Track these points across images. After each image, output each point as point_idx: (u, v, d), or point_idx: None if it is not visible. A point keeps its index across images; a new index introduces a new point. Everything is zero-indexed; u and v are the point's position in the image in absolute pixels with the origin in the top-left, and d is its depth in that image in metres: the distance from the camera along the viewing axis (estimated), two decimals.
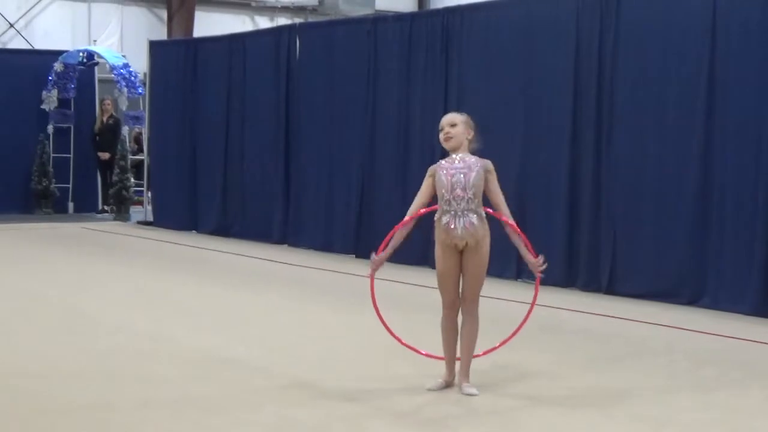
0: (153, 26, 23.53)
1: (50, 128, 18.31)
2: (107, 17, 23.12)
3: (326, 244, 13.59)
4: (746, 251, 9.13)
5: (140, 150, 19.24)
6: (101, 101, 18.72)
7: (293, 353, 7.35)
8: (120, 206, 17.73)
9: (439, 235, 6.18)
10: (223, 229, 15.41)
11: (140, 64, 18.36)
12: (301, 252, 13.62)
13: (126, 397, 6.02)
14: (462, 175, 6.13)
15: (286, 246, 14.18)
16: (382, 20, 13.64)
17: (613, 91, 10.23)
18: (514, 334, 6.71)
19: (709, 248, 9.45)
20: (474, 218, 6.10)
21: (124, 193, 17.70)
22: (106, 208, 18.45)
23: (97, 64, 19.14)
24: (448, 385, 6.26)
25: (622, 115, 10.18)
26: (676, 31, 9.74)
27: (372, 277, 6.51)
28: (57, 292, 10.06)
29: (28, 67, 18.51)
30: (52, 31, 22.48)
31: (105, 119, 18.42)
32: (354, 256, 12.99)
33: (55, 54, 18.46)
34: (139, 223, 17.18)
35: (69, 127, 18.60)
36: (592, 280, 10.37)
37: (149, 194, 17.79)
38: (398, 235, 6.35)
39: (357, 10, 23.31)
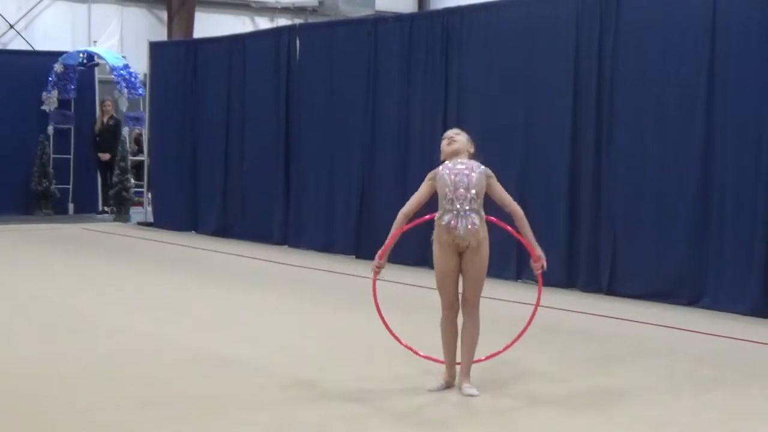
0: (153, 27, 23.52)
1: (50, 129, 18.31)
2: (107, 18, 23.11)
3: (326, 245, 13.59)
4: (746, 251, 9.13)
5: (140, 151, 19.24)
6: (101, 102, 18.72)
7: (293, 353, 7.35)
8: (120, 207, 17.72)
9: (439, 236, 6.17)
10: (224, 230, 15.41)
11: (140, 65, 18.36)
12: (302, 253, 13.61)
13: (126, 398, 6.02)
14: (465, 175, 6.16)
15: (286, 247, 14.18)
16: (382, 21, 13.65)
17: (613, 92, 10.23)
18: (518, 337, 6.69)
19: (709, 248, 9.45)
20: (476, 219, 6.11)
21: (124, 194, 17.69)
22: (106, 209, 18.45)
23: (97, 65, 19.14)
24: (448, 385, 6.26)
25: (622, 115, 10.18)
26: (676, 32, 9.74)
27: (374, 281, 6.49)
28: (57, 292, 10.05)
29: (28, 68, 18.51)
30: (52, 32, 22.47)
31: (105, 120, 18.42)
32: (354, 256, 12.99)
33: (55, 55, 18.46)
34: (139, 224, 17.18)
35: (69, 128, 18.60)
36: (592, 281, 10.37)
37: (149, 195, 17.79)
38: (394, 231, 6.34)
39: (357, 10, 23.29)
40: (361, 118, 13.11)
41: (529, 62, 11.06)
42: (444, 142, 6.40)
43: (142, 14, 23.84)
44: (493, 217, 6.30)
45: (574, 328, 8.57)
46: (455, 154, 6.31)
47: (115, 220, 17.65)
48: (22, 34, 22.30)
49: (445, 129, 11.77)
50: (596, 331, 8.51)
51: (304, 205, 14.12)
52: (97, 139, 18.40)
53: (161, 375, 6.65)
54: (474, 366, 6.28)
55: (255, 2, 24.73)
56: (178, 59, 16.66)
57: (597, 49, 10.36)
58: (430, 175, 6.30)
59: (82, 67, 18.63)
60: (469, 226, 6.08)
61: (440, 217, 6.17)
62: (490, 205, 6.28)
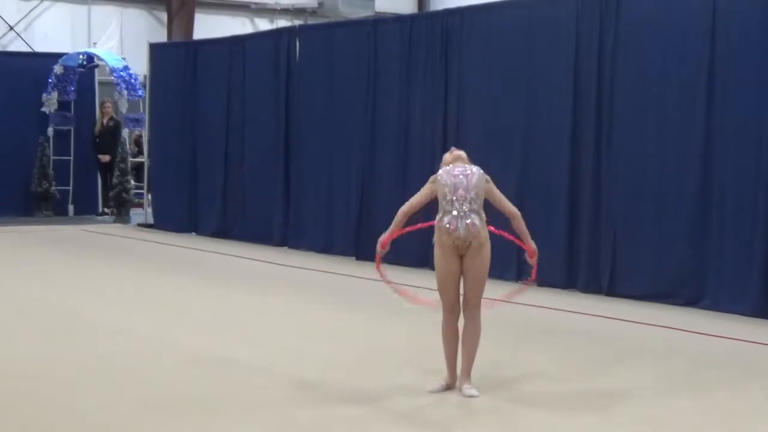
0: (153, 28, 23.52)
1: (50, 131, 18.30)
2: (107, 19, 23.09)
3: (326, 246, 13.59)
4: (746, 251, 9.12)
5: (140, 152, 19.23)
6: (101, 104, 18.72)
7: (293, 354, 7.34)
8: (120, 208, 17.71)
9: (440, 238, 6.17)
10: (224, 231, 15.41)
11: (140, 67, 18.35)
12: (302, 254, 13.61)
13: (126, 399, 6.02)
14: (464, 177, 6.19)
15: (286, 248, 14.17)
16: (382, 22, 13.64)
17: (613, 92, 10.22)
18: (519, 291, 6.64)
19: (709, 248, 9.44)
20: (476, 219, 6.12)
21: (124, 195, 17.68)
22: (106, 210, 18.43)
23: (97, 66, 19.13)
24: (449, 387, 6.25)
25: (622, 115, 10.17)
26: (676, 32, 9.73)
27: (378, 261, 6.51)
28: (57, 294, 10.05)
29: (28, 70, 18.49)
30: (52, 33, 22.46)
31: (105, 122, 18.42)
32: (354, 258, 12.98)
33: (55, 56, 18.45)
34: (139, 225, 17.17)
35: (69, 130, 18.59)
36: (592, 282, 10.36)
37: (149, 196, 17.78)
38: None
39: (357, 12, 23.29)
40: (361, 120, 13.11)
41: (529, 63, 11.06)
42: (447, 154, 6.51)
43: (141, 16, 23.83)
44: (491, 226, 6.31)
45: (574, 329, 8.57)
46: (456, 159, 6.38)
47: (115, 221, 17.64)
48: (22, 36, 22.30)
49: (445, 130, 11.94)
50: (596, 331, 8.50)
51: (304, 206, 14.12)
52: (97, 140, 18.39)
53: (161, 376, 6.65)
54: (474, 367, 6.27)
55: (255, 3, 24.73)
56: (177, 61, 16.66)
57: (597, 50, 10.36)
58: (431, 178, 6.34)
59: (81, 69, 18.63)
60: (469, 227, 6.08)
61: (440, 219, 6.17)
62: (488, 212, 6.29)
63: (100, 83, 19.31)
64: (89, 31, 22.83)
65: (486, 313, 6.34)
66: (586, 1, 10.48)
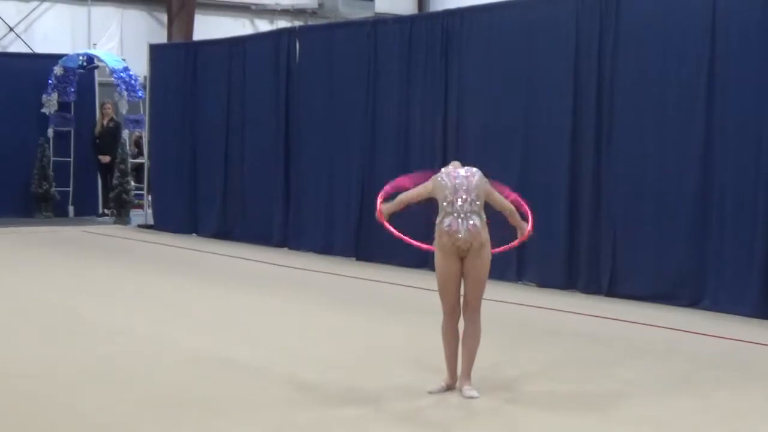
0: (153, 29, 23.51)
1: (50, 132, 18.30)
2: (107, 21, 23.09)
3: (326, 247, 13.58)
4: (746, 251, 9.12)
5: (140, 153, 19.23)
6: (101, 105, 18.72)
7: (293, 355, 7.34)
8: (120, 209, 17.71)
9: (440, 239, 6.16)
10: (224, 232, 15.41)
11: (140, 68, 18.34)
12: (302, 255, 13.60)
13: (126, 399, 6.02)
14: (465, 178, 6.19)
15: (286, 249, 14.16)
16: (382, 23, 13.63)
17: (613, 92, 10.22)
18: (519, 241, 6.63)
19: (709, 248, 9.44)
20: (477, 220, 6.11)
21: (124, 196, 17.68)
22: (106, 211, 18.43)
23: (97, 67, 19.13)
24: (449, 388, 6.24)
25: (622, 115, 10.17)
26: (676, 32, 9.73)
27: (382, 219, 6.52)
28: (57, 295, 10.05)
29: (28, 71, 18.49)
30: (52, 34, 22.45)
31: (105, 123, 18.42)
32: (354, 258, 12.98)
33: (55, 58, 18.44)
34: (139, 226, 17.17)
35: (69, 131, 18.60)
36: (592, 282, 10.35)
37: (149, 197, 17.77)
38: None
39: (357, 12, 23.29)
40: (361, 120, 13.10)
41: (529, 63, 11.06)
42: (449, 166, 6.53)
43: (141, 17, 23.82)
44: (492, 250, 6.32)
45: (574, 329, 8.56)
46: (456, 165, 6.42)
47: (115, 222, 17.63)
48: (22, 37, 22.29)
49: (446, 130, 11.94)
50: (596, 332, 8.49)
51: (304, 207, 14.11)
52: (97, 141, 18.39)
53: (161, 376, 6.65)
54: (474, 368, 6.26)
55: (255, 4, 24.73)
56: (177, 62, 16.66)
57: (597, 50, 10.35)
58: (431, 179, 6.33)
59: (81, 70, 18.63)
60: (470, 228, 6.08)
61: (441, 221, 6.16)
62: (487, 212, 6.30)
63: (100, 84, 19.31)
64: (89, 32, 22.83)
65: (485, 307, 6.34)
66: (586, 1, 10.47)
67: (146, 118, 17.53)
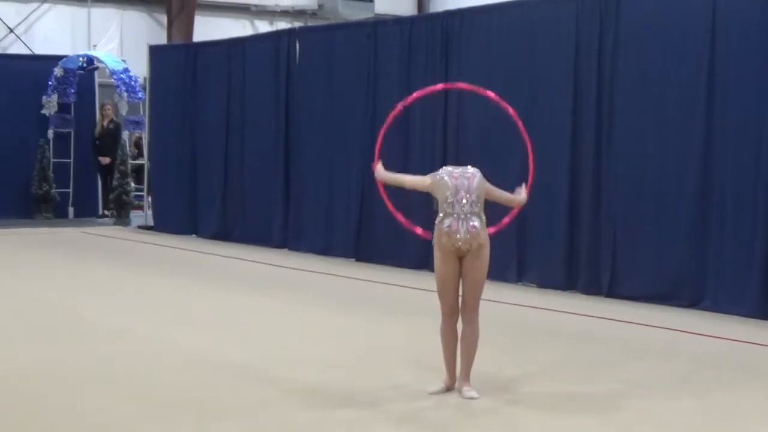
0: (153, 31, 23.51)
1: (50, 133, 18.30)
2: (107, 22, 23.08)
3: (326, 248, 13.58)
4: (746, 251, 9.12)
5: (140, 154, 19.23)
6: (101, 106, 18.72)
7: (293, 356, 7.33)
8: (120, 211, 17.71)
9: (439, 240, 6.15)
10: (224, 234, 15.40)
11: (140, 69, 18.35)
12: (301, 256, 13.60)
13: (125, 399, 6.01)
14: (466, 180, 6.18)
15: (286, 250, 14.16)
16: (382, 24, 13.63)
17: (613, 92, 10.22)
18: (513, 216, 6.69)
19: (709, 248, 9.43)
20: (476, 222, 6.11)
21: (124, 197, 17.68)
22: (106, 212, 18.43)
23: (97, 68, 19.14)
24: (449, 389, 6.24)
25: (622, 115, 10.17)
26: (676, 32, 9.73)
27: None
28: (57, 295, 10.04)
29: (28, 72, 18.50)
30: (52, 36, 22.44)
31: (105, 124, 18.42)
32: (354, 259, 12.98)
33: (55, 59, 18.44)
34: (139, 227, 17.17)
35: (69, 132, 18.60)
36: (592, 283, 10.34)
37: (149, 199, 17.77)
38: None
39: (357, 14, 23.29)
40: (361, 122, 13.10)
41: (529, 64, 11.06)
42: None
43: (141, 18, 23.82)
44: (491, 228, 6.31)
45: (574, 330, 8.56)
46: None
47: (115, 223, 17.63)
48: (22, 38, 22.29)
49: (445, 131, 11.93)
50: (597, 333, 8.49)
51: (303, 208, 14.11)
52: (97, 142, 18.39)
53: (161, 377, 6.64)
54: (474, 369, 6.25)
55: (254, 6, 24.74)
56: (177, 63, 16.66)
57: (597, 50, 10.35)
58: (430, 175, 6.32)
59: (81, 71, 18.63)
60: (470, 230, 6.07)
61: (441, 221, 6.15)
62: (487, 213, 6.30)
63: (100, 85, 19.31)
64: (89, 33, 22.82)
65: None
66: (586, 2, 10.47)
67: (146, 120, 17.54)
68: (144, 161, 18.27)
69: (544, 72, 10.91)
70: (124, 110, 17.95)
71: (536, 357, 7.37)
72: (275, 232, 14.48)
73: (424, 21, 13.14)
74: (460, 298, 6.25)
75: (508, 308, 9.36)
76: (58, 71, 18.10)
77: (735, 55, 9.28)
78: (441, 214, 6.16)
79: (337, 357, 7.33)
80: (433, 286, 6.38)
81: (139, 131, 18.57)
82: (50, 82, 18.08)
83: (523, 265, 10.97)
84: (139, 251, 14.30)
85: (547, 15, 10.98)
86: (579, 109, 10.53)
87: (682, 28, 9.69)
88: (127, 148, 18.36)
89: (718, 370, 7.11)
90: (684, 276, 9.60)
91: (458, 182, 6.16)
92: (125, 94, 17.61)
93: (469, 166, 6.35)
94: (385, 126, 6.96)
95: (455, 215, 6.10)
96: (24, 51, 21.69)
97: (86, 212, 18.70)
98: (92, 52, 20.01)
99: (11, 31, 22.20)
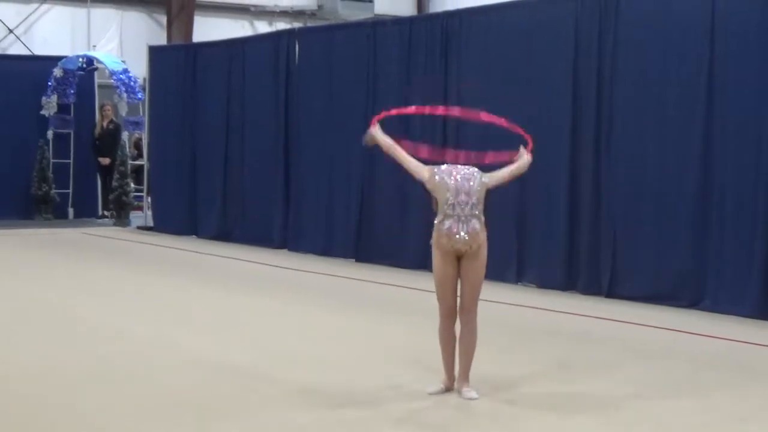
0: (152, 31, 23.49)
1: (50, 134, 18.29)
2: (107, 22, 23.07)
3: (326, 249, 13.58)
4: (746, 251, 9.11)
5: (140, 155, 19.21)
6: (101, 107, 18.71)
7: (293, 357, 7.33)
8: (120, 211, 17.70)
9: (438, 241, 6.15)
10: (224, 234, 15.40)
11: (140, 70, 18.34)
12: (301, 256, 13.60)
13: (125, 400, 6.01)
14: (466, 181, 6.18)
15: (286, 250, 14.16)
16: (381, 24, 13.63)
17: (613, 92, 10.21)
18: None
19: (709, 249, 9.43)
20: (476, 223, 6.11)
21: (124, 198, 17.67)
22: (106, 213, 18.42)
23: (96, 69, 19.12)
24: (448, 389, 6.24)
25: (622, 115, 10.16)
26: (676, 32, 9.73)
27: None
28: (57, 296, 10.04)
29: (27, 73, 18.48)
30: (52, 36, 22.43)
31: (105, 124, 18.42)
32: (354, 260, 12.97)
33: (55, 59, 18.43)
34: (139, 228, 17.17)
35: (69, 133, 18.59)
36: (592, 283, 10.34)
37: (149, 199, 17.76)
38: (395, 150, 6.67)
39: (356, 14, 23.28)
40: (361, 122, 13.04)
41: (529, 64, 11.05)
42: None
43: (141, 18, 23.81)
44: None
45: (574, 330, 8.55)
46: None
47: (115, 224, 17.63)
48: (22, 39, 22.28)
49: (445, 132, 11.92)
50: (596, 333, 8.49)
51: (303, 208, 14.11)
52: (97, 143, 18.39)
53: (160, 377, 6.64)
54: (473, 370, 6.25)
55: (254, 6, 24.73)
56: (177, 63, 16.66)
57: (597, 50, 10.35)
58: (429, 168, 6.30)
59: (81, 72, 18.63)
60: (471, 231, 6.08)
61: (441, 222, 6.14)
62: (487, 215, 6.30)
63: (100, 86, 19.30)
64: (89, 34, 22.82)
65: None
66: (586, 2, 10.47)
67: (146, 120, 17.53)
68: (144, 162, 18.26)
69: (543, 72, 10.91)
70: (123, 111, 17.95)
71: (536, 357, 7.36)
72: (275, 233, 14.48)
73: (423, 21, 13.14)
74: (458, 299, 6.25)
75: (508, 308, 9.36)
76: (57, 72, 18.10)
77: (734, 56, 9.28)
78: (441, 216, 6.15)
79: (337, 357, 7.33)
80: (433, 286, 6.37)
81: (138, 132, 18.56)
82: (50, 83, 18.08)
83: (523, 265, 10.97)
84: (139, 252, 14.30)
85: (546, 15, 10.98)
86: (579, 109, 10.53)
87: (682, 28, 9.69)
88: (127, 148, 18.37)
89: (717, 370, 7.11)
90: (684, 276, 9.60)
91: (459, 184, 6.16)
92: (125, 95, 17.60)
93: (468, 166, 6.34)
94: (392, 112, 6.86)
95: (455, 217, 6.10)
96: (24, 52, 21.68)
97: (86, 213, 18.70)
98: (92, 53, 20.00)
99: (11, 31, 22.19)
